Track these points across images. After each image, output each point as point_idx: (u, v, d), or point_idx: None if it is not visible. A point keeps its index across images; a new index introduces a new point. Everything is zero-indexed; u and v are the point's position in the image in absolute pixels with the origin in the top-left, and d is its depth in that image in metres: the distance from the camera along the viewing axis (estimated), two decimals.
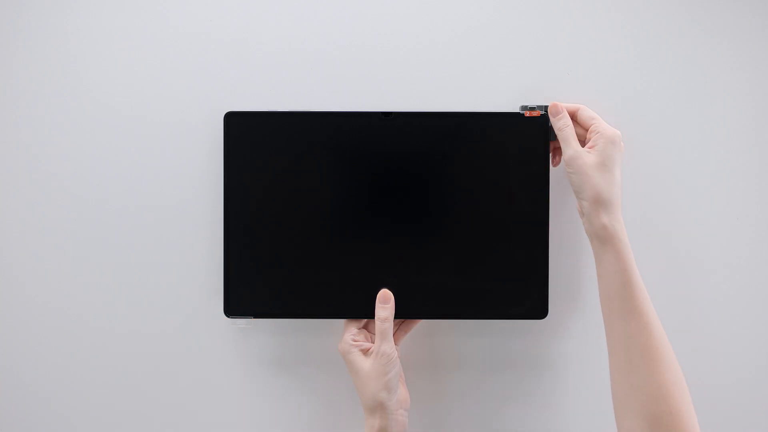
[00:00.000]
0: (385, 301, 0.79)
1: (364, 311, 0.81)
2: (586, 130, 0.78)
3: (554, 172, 0.82)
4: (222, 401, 0.84)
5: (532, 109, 0.80)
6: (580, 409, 0.84)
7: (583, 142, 0.78)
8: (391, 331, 0.78)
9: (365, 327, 0.81)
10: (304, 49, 0.83)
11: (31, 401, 0.84)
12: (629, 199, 0.82)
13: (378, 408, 0.76)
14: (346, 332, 0.80)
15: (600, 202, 0.74)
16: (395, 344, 0.78)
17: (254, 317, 0.82)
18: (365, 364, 0.77)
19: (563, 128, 0.78)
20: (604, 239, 0.74)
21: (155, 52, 0.83)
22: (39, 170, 0.83)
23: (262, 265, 0.81)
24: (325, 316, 0.82)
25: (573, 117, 0.79)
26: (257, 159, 0.81)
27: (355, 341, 0.79)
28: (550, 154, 0.81)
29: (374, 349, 0.77)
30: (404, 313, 0.81)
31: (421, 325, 0.83)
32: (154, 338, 0.84)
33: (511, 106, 0.82)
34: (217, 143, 0.82)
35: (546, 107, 0.80)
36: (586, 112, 0.79)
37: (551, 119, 0.79)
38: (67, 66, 0.83)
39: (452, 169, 0.80)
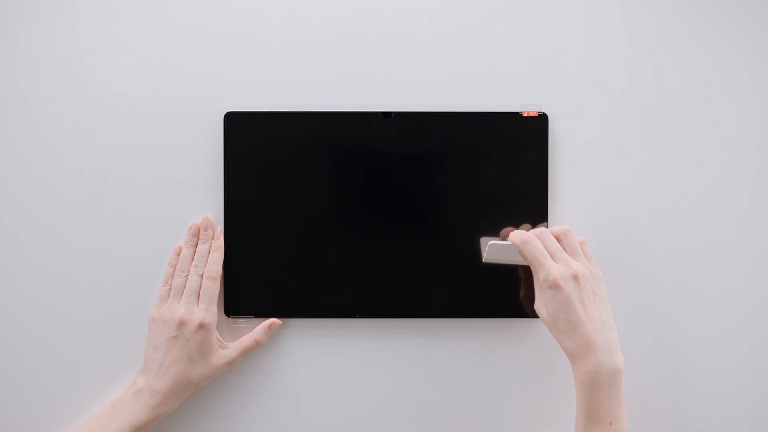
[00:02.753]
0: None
1: (364, 311, 0.81)
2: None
3: (555, 170, 0.82)
4: (222, 401, 0.84)
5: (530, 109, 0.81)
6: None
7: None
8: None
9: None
10: (304, 49, 0.83)
11: (30, 402, 0.84)
12: (634, 197, 0.83)
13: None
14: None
15: (566, 352, 0.72)
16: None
17: (254, 317, 0.82)
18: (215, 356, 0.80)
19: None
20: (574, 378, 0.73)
21: (155, 51, 0.83)
22: (36, 169, 0.83)
23: (262, 265, 0.81)
24: (325, 315, 0.82)
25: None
26: (257, 159, 0.81)
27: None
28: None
29: (232, 357, 0.81)
30: (404, 312, 0.81)
31: (420, 325, 0.83)
32: None
33: (511, 106, 0.82)
34: (217, 143, 0.82)
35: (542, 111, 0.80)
36: (528, 253, 0.74)
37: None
38: (66, 65, 0.83)
39: (451, 168, 0.81)
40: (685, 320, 0.84)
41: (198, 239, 0.81)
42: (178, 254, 0.81)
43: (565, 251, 0.74)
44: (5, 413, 0.84)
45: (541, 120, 0.81)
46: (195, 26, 0.83)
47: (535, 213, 0.81)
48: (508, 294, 0.81)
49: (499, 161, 0.81)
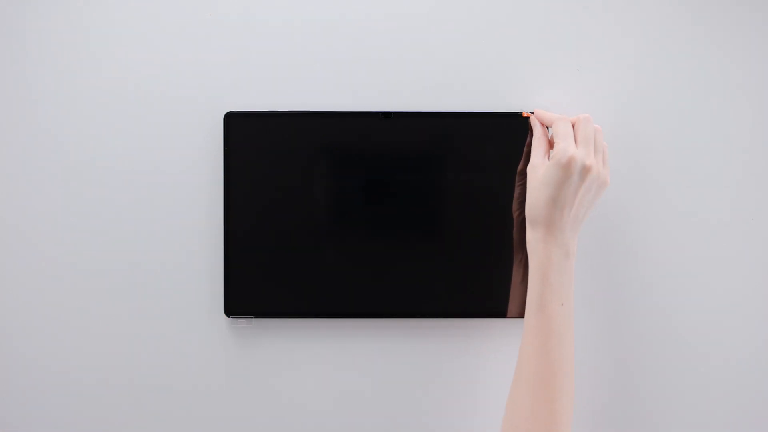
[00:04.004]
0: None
1: (364, 311, 0.81)
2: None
3: None
4: (222, 401, 0.84)
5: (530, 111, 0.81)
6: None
7: None
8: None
9: None
10: (305, 49, 0.83)
11: (31, 403, 0.84)
12: (634, 197, 0.83)
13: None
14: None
15: (528, 218, 0.75)
16: None
17: (254, 317, 0.82)
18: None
19: (536, 138, 0.78)
20: (528, 252, 0.75)
21: (155, 51, 0.83)
22: (36, 170, 0.83)
23: (262, 265, 0.81)
24: (325, 315, 0.82)
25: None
26: (257, 159, 0.81)
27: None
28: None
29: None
30: (405, 312, 0.81)
31: (420, 325, 0.83)
32: (155, 339, 0.84)
33: (511, 106, 0.82)
34: (217, 143, 0.82)
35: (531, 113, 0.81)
36: (558, 128, 0.76)
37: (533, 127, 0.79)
38: (65, 66, 0.83)
39: (451, 168, 0.81)
40: (696, 324, 0.84)
41: None
42: None
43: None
44: (6, 413, 0.84)
45: None
46: (195, 26, 0.83)
47: None
48: (508, 294, 0.81)
49: (499, 161, 0.81)
